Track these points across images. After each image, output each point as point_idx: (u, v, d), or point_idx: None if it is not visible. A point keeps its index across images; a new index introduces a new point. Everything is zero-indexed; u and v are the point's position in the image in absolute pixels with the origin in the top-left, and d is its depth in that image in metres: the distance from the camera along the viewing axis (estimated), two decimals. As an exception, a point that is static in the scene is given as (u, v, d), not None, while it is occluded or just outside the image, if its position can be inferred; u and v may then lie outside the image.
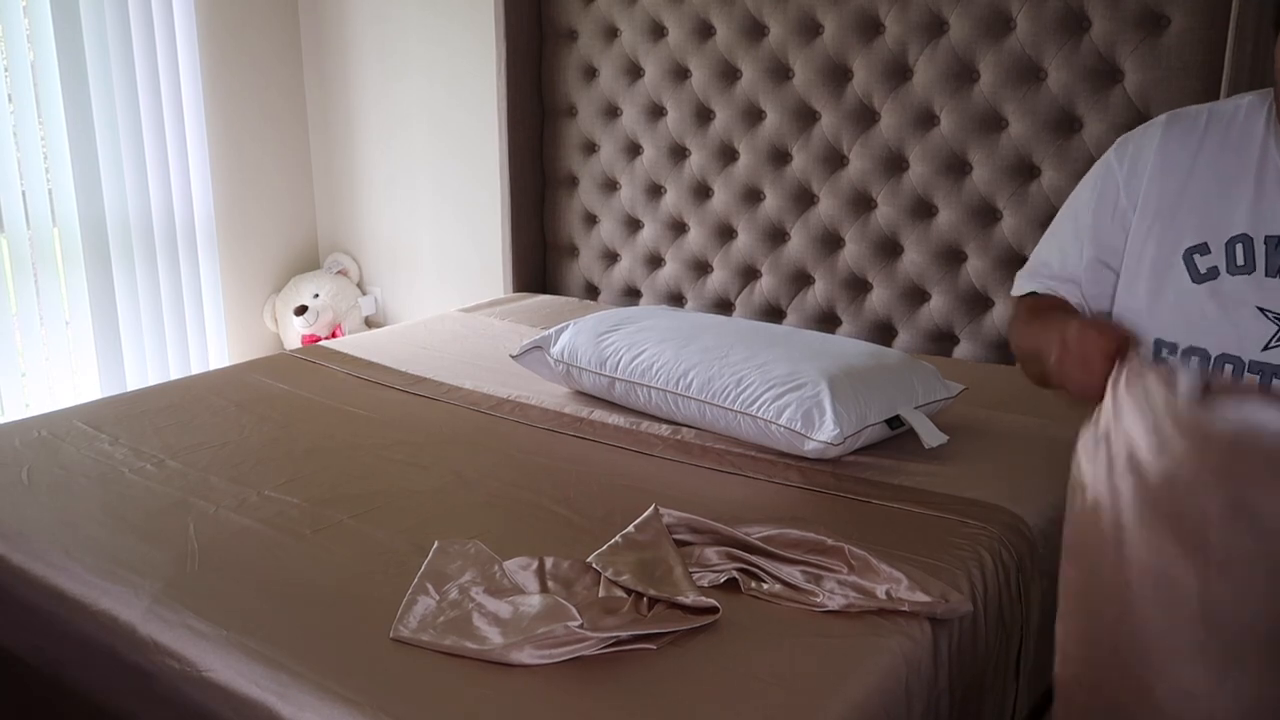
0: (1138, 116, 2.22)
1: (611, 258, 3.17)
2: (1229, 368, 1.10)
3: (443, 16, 3.40)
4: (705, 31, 2.82)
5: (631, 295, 3.15)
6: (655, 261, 3.07)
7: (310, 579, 1.52)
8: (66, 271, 3.29)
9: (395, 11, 3.53)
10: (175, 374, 3.52)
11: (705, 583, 1.48)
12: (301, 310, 3.72)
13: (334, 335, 3.75)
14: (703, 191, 2.93)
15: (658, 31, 2.91)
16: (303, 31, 3.80)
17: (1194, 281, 1.13)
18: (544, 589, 1.45)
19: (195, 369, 3.56)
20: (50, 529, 1.67)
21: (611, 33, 3.01)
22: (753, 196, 2.83)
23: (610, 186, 3.12)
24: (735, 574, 1.50)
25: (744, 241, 2.87)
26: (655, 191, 3.02)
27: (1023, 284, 1.38)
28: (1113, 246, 1.23)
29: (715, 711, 1.22)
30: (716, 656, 1.32)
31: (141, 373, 3.47)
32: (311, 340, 3.64)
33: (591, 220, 3.19)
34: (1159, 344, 1.16)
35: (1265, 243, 1.09)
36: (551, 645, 1.30)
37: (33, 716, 1.66)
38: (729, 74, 2.81)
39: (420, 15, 3.46)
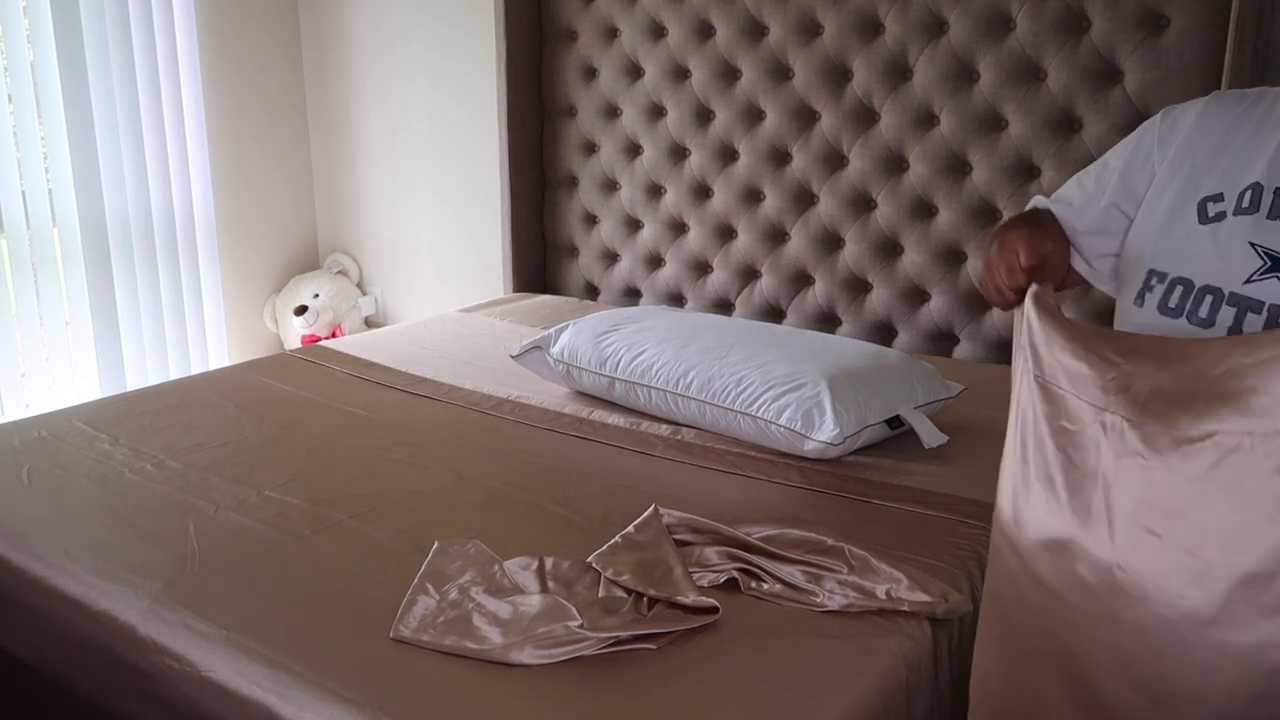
0: (1138, 116, 2.22)
1: (611, 258, 3.17)
2: (1209, 298, 1.13)
3: (443, 17, 3.40)
4: (705, 31, 2.82)
5: (631, 295, 3.15)
6: (655, 262, 3.07)
7: (310, 579, 1.52)
8: (66, 271, 3.29)
9: (395, 12, 3.53)
10: (175, 374, 3.52)
11: (705, 583, 1.48)
12: (301, 310, 3.72)
13: (334, 335, 3.75)
14: (703, 191, 2.93)
15: (658, 31, 2.91)
16: (303, 32, 3.81)
17: (1200, 223, 1.16)
18: (544, 589, 1.45)
19: (195, 369, 3.56)
20: (50, 529, 1.67)
21: (611, 33, 3.01)
22: (753, 196, 2.83)
23: (610, 187, 3.12)
24: (735, 574, 1.50)
25: (744, 242, 2.87)
26: (655, 192, 3.02)
27: (1032, 203, 1.43)
28: (1135, 194, 1.27)
29: (715, 711, 1.22)
30: (716, 656, 1.32)
31: (141, 373, 3.47)
32: (311, 340, 3.64)
33: (591, 220, 3.19)
34: (1150, 273, 1.19)
35: (1275, 193, 1.12)
36: (551, 645, 1.30)
37: (32, 717, 1.66)
38: (729, 74, 2.81)
39: (420, 15, 3.47)
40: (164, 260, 3.48)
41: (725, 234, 2.91)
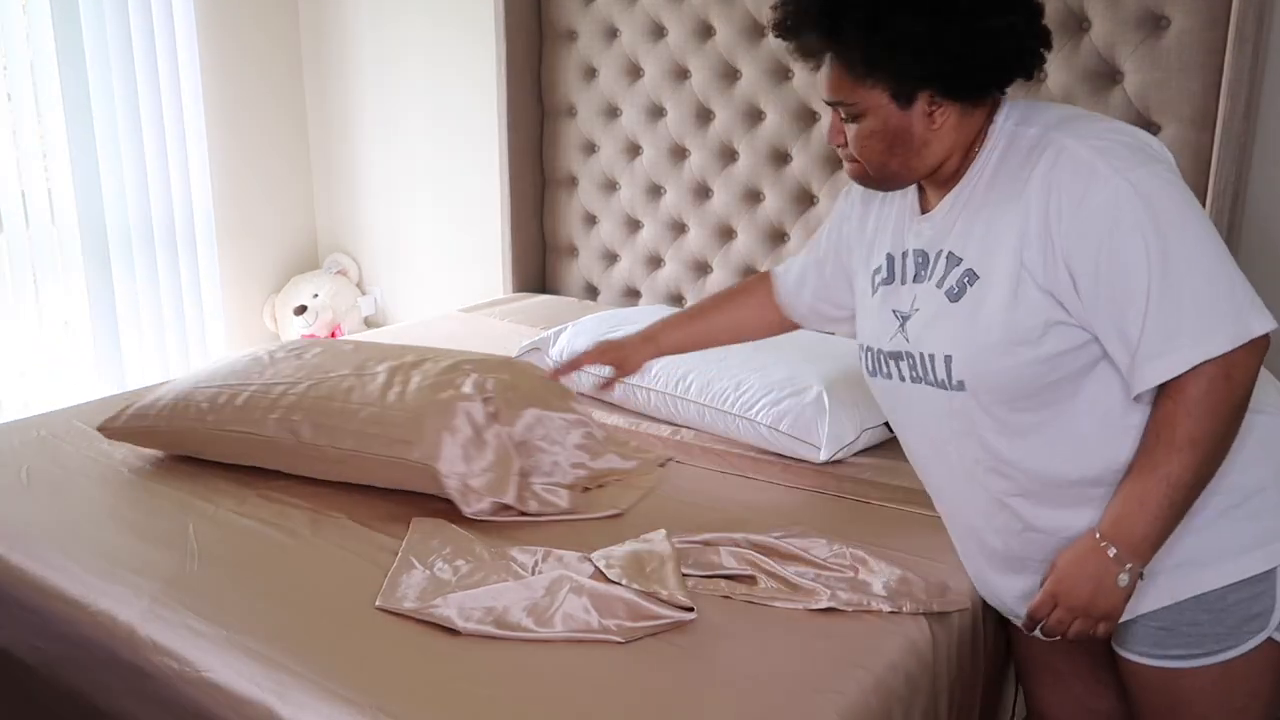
0: (1137, 117, 2.22)
1: (611, 258, 3.17)
2: (881, 357, 1.38)
3: (442, 16, 3.40)
4: (705, 31, 2.82)
5: (631, 296, 3.15)
6: (655, 262, 3.07)
7: (310, 579, 1.52)
8: (66, 272, 3.29)
9: (395, 11, 3.53)
10: (175, 374, 3.51)
11: (694, 586, 1.48)
12: (301, 310, 3.72)
13: (333, 335, 3.75)
14: (703, 192, 2.93)
15: (658, 32, 2.91)
16: (302, 31, 3.81)
17: (872, 294, 1.41)
18: (534, 573, 1.48)
19: (195, 369, 3.56)
20: (50, 529, 1.68)
21: (611, 33, 3.01)
22: (753, 197, 2.83)
23: (610, 187, 3.12)
24: (736, 574, 1.50)
25: (744, 242, 2.87)
26: (655, 192, 3.02)
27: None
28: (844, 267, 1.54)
29: (715, 711, 1.22)
30: (716, 656, 1.32)
31: (141, 373, 3.47)
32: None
33: (591, 220, 3.19)
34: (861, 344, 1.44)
35: (889, 259, 1.38)
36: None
37: (32, 717, 1.66)
38: (729, 74, 2.81)
39: (420, 15, 3.47)
40: (163, 260, 3.48)
41: (725, 234, 2.91)
